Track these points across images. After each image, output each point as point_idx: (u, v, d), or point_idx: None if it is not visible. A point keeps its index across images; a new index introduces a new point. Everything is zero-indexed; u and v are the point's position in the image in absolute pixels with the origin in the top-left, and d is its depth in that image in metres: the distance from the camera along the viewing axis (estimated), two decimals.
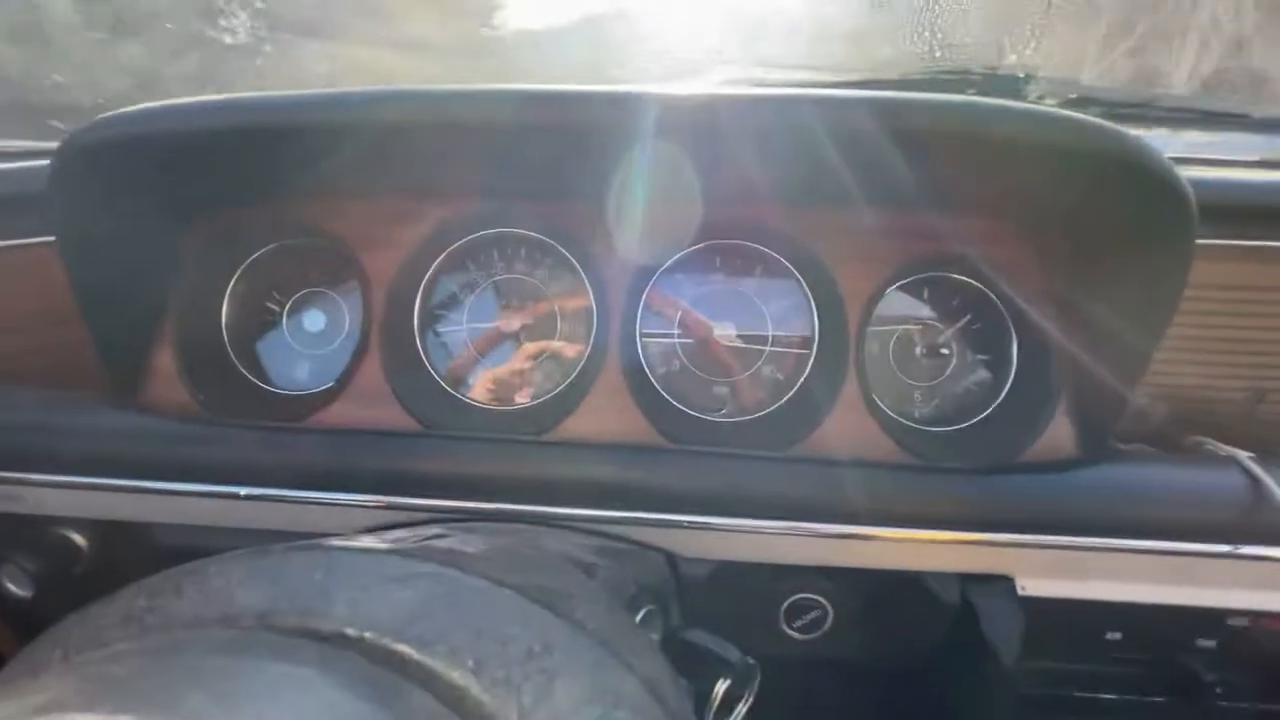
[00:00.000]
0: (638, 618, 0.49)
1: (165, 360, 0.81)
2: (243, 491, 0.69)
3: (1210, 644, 0.70)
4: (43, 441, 0.72)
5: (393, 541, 0.34)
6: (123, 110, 0.63)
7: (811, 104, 0.59)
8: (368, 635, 0.26)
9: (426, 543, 0.36)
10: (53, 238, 0.82)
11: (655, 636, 0.49)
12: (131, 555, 0.75)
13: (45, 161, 0.84)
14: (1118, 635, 0.70)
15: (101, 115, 0.63)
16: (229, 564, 0.30)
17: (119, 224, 0.73)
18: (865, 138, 0.60)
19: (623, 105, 0.60)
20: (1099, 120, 0.57)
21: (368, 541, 0.33)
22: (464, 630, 0.27)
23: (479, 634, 0.27)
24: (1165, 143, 1.09)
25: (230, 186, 0.81)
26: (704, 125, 0.61)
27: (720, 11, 1.08)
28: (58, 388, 0.80)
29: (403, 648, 0.25)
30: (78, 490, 0.71)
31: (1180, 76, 1.07)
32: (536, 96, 0.62)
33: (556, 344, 0.86)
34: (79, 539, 0.74)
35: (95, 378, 0.81)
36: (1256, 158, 0.99)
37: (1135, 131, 1.03)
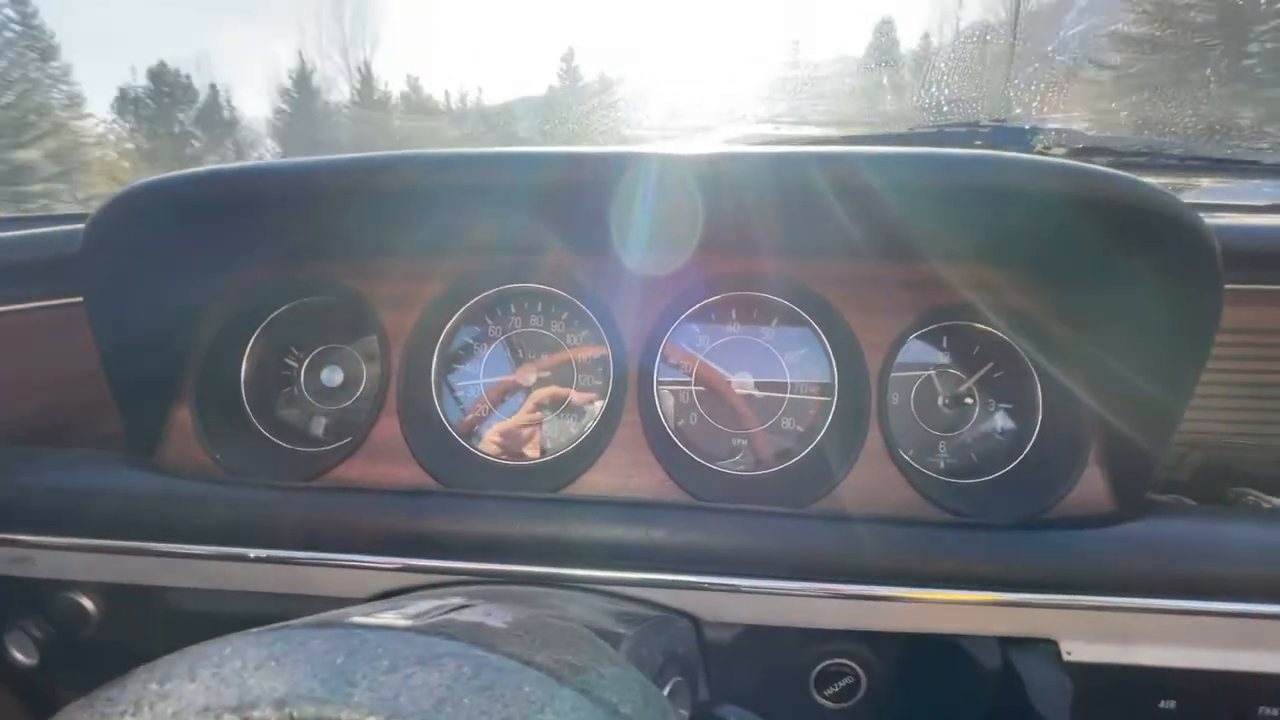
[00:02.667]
0: (666, 690, 0.46)
1: (184, 417, 0.81)
2: (255, 554, 0.68)
3: (1274, 713, 0.65)
4: (54, 503, 0.71)
5: (415, 617, 0.32)
6: (151, 179, 0.65)
7: (821, 161, 0.60)
8: None
9: (449, 616, 0.34)
10: (62, 300, 0.85)
11: (685, 713, 0.46)
12: (141, 619, 0.73)
13: (60, 228, 0.88)
14: (1172, 705, 0.65)
15: (134, 182, 0.65)
16: (244, 645, 0.28)
17: (145, 284, 0.74)
18: (875, 193, 0.60)
19: (634, 165, 0.61)
20: (1116, 171, 0.58)
21: (388, 617, 0.32)
22: (492, 717, 0.25)
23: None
24: (1176, 190, 1.10)
25: (253, 247, 0.82)
26: (713, 183, 0.61)
27: (730, 72, 1.12)
28: (70, 445, 0.80)
29: None
30: (90, 553, 0.70)
31: (1186, 124, 1.08)
32: (550, 158, 0.64)
33: (573, 397, 0.85)
34: (87, 603, 0.72)
35: (103, 440, 0.81)
36: (1270, 203, 0.99)
37: (1144, 179, 1.05)
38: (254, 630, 0.30)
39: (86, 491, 0.72)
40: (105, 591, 0.72)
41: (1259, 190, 1.05)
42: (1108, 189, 0.57)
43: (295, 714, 0.24)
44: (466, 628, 0.32)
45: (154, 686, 0.27)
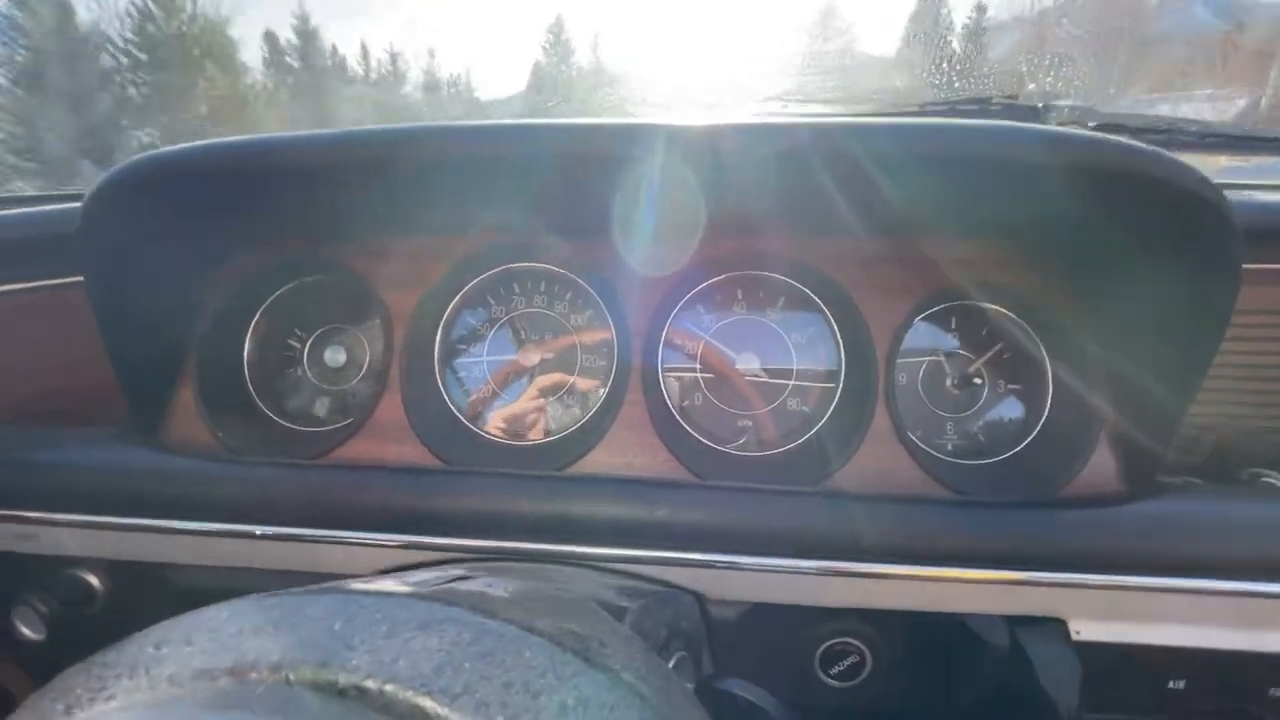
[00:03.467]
0: (670, 664, 0.46)
1: (187, 397, 0.81)
2: (260, 531, 0.68)
3: None
4: (61, 480, 0.71)
5: (415, 585, 0.32)
6: (155, 151, 0.65)
7: (827, 132, 0.58)
8: (389, 688, 0.24)
9: (451, 585, 0.34)
10: (68, 279, 0.84)
11: (689, 685, 0.46)
12: (147, 596, 0.73)
13: (59, 206, 0.88)
14: (1181, 684, 0.64)
15: (135, 156, 0.64)
16: (242, 610, 0.28)
17: (147, 262, 0.74)
18: (883, 164, 0.59)
19: (639, 136, 0.60)
20: (1136, 143, 0.56)
21: (389, 584, 0.31)
22: (493, 682, 0.25)
23: (509, 686, 0.25)
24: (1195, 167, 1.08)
25: (256, 225, 0.82)
26: (718, 154, 0.60)
27: (739, 50, 1.10)
28: (74, 424, 0.80)
29: (428, 702, 0.23)
30: (94, 530, 0.70)
31: (1202, 103, 1.06)
32: (555, 129, 0.63)
33: (577, 378, 0.85)
34: (94, 580, 0.72)
35: (107, 421, 0.81)
36: None
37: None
38: (253, 596, 0.30)
39: (91, 469, 0.72)
40: (111, 568, 0.72)
41: (1278, 169, 1.03)
42: (1129, 161, 0.55)
43: (292, 676, 0.24)
44: (468, 595, 0.32)
45: (150, 650, 0.27)
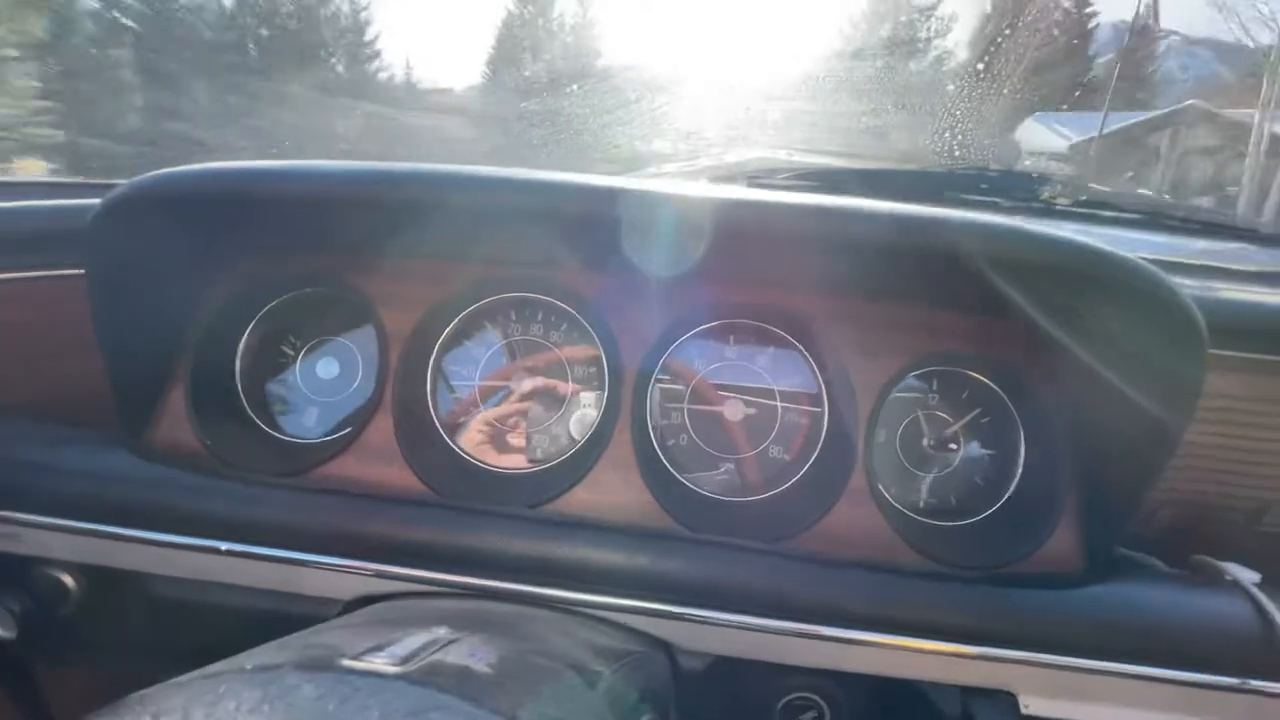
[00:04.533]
0: None
1: (176, 399, 0.81)
2: (240, 549, 0.68)
3: None
4: (43, 481, 0.71)
5: (403, 661, 0.33)
6: (169, 170, 0.65)
7: (826, 214, 0.61)
8: None
9: (437, 656, 0.35)
10: (63, 271, 0.84)
11: None
12: (120, 601, 0.73)
13: (59, 202, 0.87)
14: None
15: (152, 173, 0.65)
16: (238, 686, 0.29)
17: (149, 268, 0.74)
18: (877, 248, 0.61)
19: (642, 202, 0.62)
20: (1109, 250, 0.59)
21: (379, 663, 0.33)
22: None
23: None
24: (1172, 248, 1.12)
25: (259, 240, 0.82)
26: (728, 225, 0.62)
27: (749, 98, 1.13)
28: (60, 422, 0.80)
29: None
30: (73, 533, 0.70)
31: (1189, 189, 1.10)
32: (560, 188, 0.64)
33: (567, 410, 0.86)
34: (68, 580, 0.72)
35: (98, 415, 0.81)
36: (1260, 270, 1.02)
37: (1142, 235, 1.07)
38: (247, 664, 0.31)
39: (73, 473, 0.72)
40: (86, 571, 0.72)
41: (1252, 255, 1.07)
42: (1101, 265, 0.58)
43: None
44: (453, 673, 0.33)
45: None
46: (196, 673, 0.31)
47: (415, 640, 0.37)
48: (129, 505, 0.70)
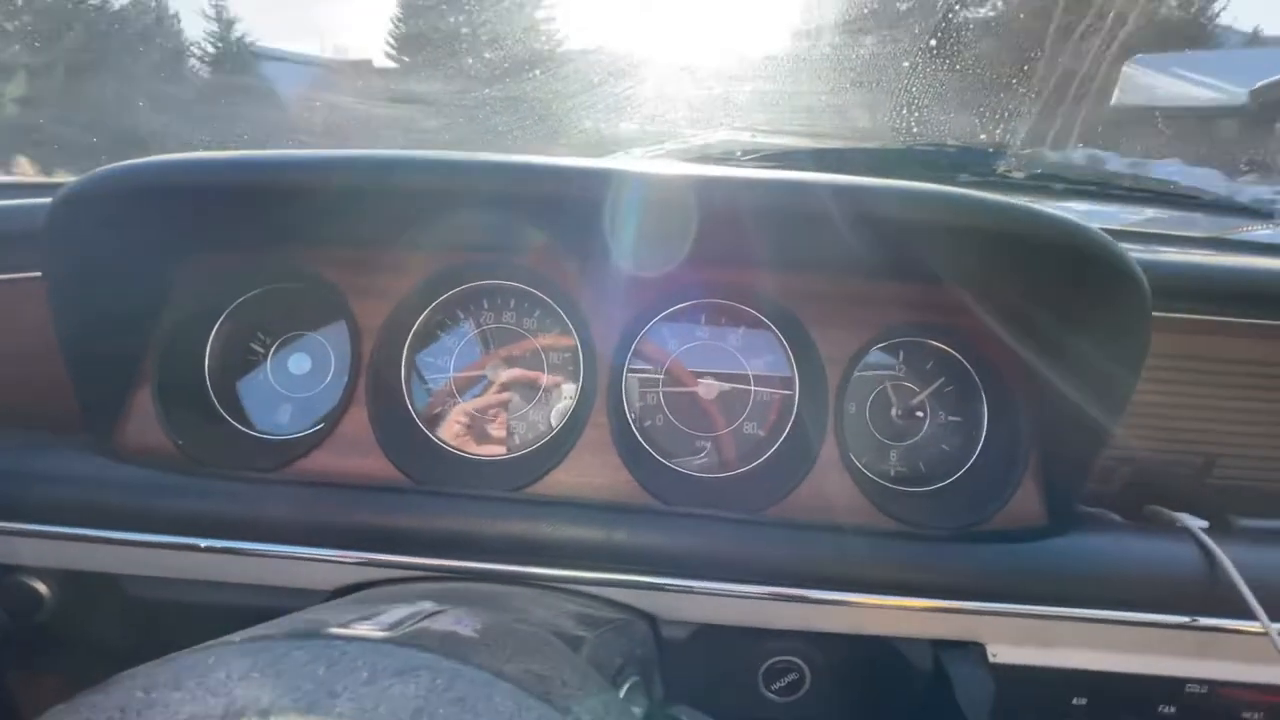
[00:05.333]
0: (624, 689, 0.49)
1: (144, 401, 0.80)
2: (217, 545, 0.68)
3: (1171, 710, 0.72)
4: (11, 487, 0.70)
5: (390, 627, 0.34)
6: (127, 163, 0.64)
7: (789, 188, 0.62)
8: None
9: (423, 625, 0.36)
10: (27, 274, 0.82)
11: (639, 711, 0.49)
12: (96, 606, 0.72)
13: (21, 201, 0.85)
14: (1083, 701, 0.72)
15: (106, 166, 0.64)
16: (227, 655, 0.30)
17: (110, 265, 0.73)
18: (838, 219, 0.63)
19: (621, 182, 0.63)
20: (1056, 213, 0.62)
21: (365, 629, 0.34)
22: None
23: None
24: (1121, 217, 1.16)
25: (225, 235, 0.81)
26: (689, 202, 0.63)
27: (712, 80, 1.14)
28: (25, 427, 0.78)
29: None
30: (44, 539, 0.69)
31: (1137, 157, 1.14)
32: (528, 170, 0.64)
33: (543, 395, 0.87)
34: (41, 587, 0.71)
35: (65, 418, 0.79)
36: (1206, 235, 1.06)
37: (1093, 206, 1.11)
38: (235, 638, 0.32)
39: (41, 477, 0.70)
40: (60, 577, 0.71)
41: (1197, 222, 1.12)
42: (1049, 228, 0.61)
43: None
44: (439, 637, 0.34)
45: (139, 694, 0.28)
46: (186, 650, 0.32)
47: (401, 611, 0.37)
48: (102, 507, 0.69)
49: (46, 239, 0.66)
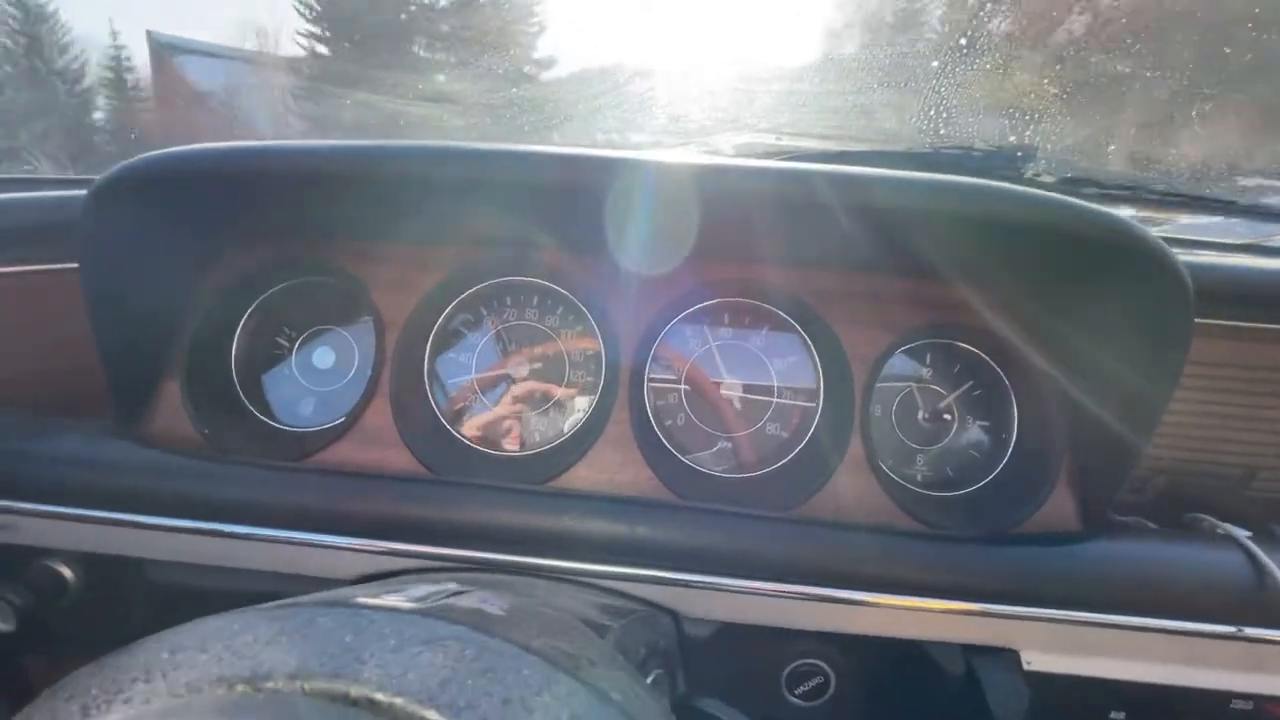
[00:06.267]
0: (648, 681, 0.48)
1: (173, 391, 0.81)
2: (242, 531, 0.68)
3: None
4: (40, 470, 0.71)
5: (417, 600, 0.34)
6: (161, 151, 0.65)
7: (817, 179, 0.62)
8: (398, 701, 0.25)
9: (449, 601, 0.35)
10: (59, 265, 0.84)
11: (666, 703, 0.48)
12: (120, 591, 0.73)
13: (56, 193, 0.87)
14: (1121, 715, 0.69)
15: (140, 155, 0.65)
16: (254, 620, 0.29)
17: (143, 257, 0.74)
18: (869, 213, 0.62)
19: (637, 171, 0.62)
20: (1099, 208, 0.60)
21: (392, 600, 0.33)
22: (494, 698, 0.27)
23: (508, 702, 0.27)
24: (1155, 223, 1.14)
25: (252, 224, 0.82)
26: (715, 193, 0.63)
27: (737, 81, 1.14)
28: (56, 414, 0.80)
29: (434, 715, 0.25)
30: (71, 522, 0.70)
31: (1171, 162, 1.12)
32: (556, 159, 0.64)
33: (564, 391, 0.87)
34: (67, 572, 0.72)
35: (94, 406, 0.80)
36: (1242, 241, 1.04)
37: (1127, 210, 1.09)
38: (261, 606, 0.31)
39: (74, 461, 0.71)
40: (85, 561, 0.72)
41: (1233, 228, 1.09)
42: (1091, 223, 0.59)
43: (307, 686, 0.26)
44: (467, 612, 0.34)
45: (165, 655, 0.28)
46: (213, 615, 0.31)
47: (428, 588, 0.37)
48: (129, 491, 0.69)
49: (82, 229, 0.67)
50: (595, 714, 0.28)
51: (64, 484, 0.70)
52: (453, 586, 0.39)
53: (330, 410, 0.88)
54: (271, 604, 0.34)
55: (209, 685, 0.26)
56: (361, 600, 0.32)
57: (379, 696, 0.26)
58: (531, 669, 0.29)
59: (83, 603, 0.73)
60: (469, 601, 0.36)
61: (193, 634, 0.29)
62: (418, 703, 0.25)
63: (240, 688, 0.26)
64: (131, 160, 0.66)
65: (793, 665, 0.69)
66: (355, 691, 0.26)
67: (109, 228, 0.69)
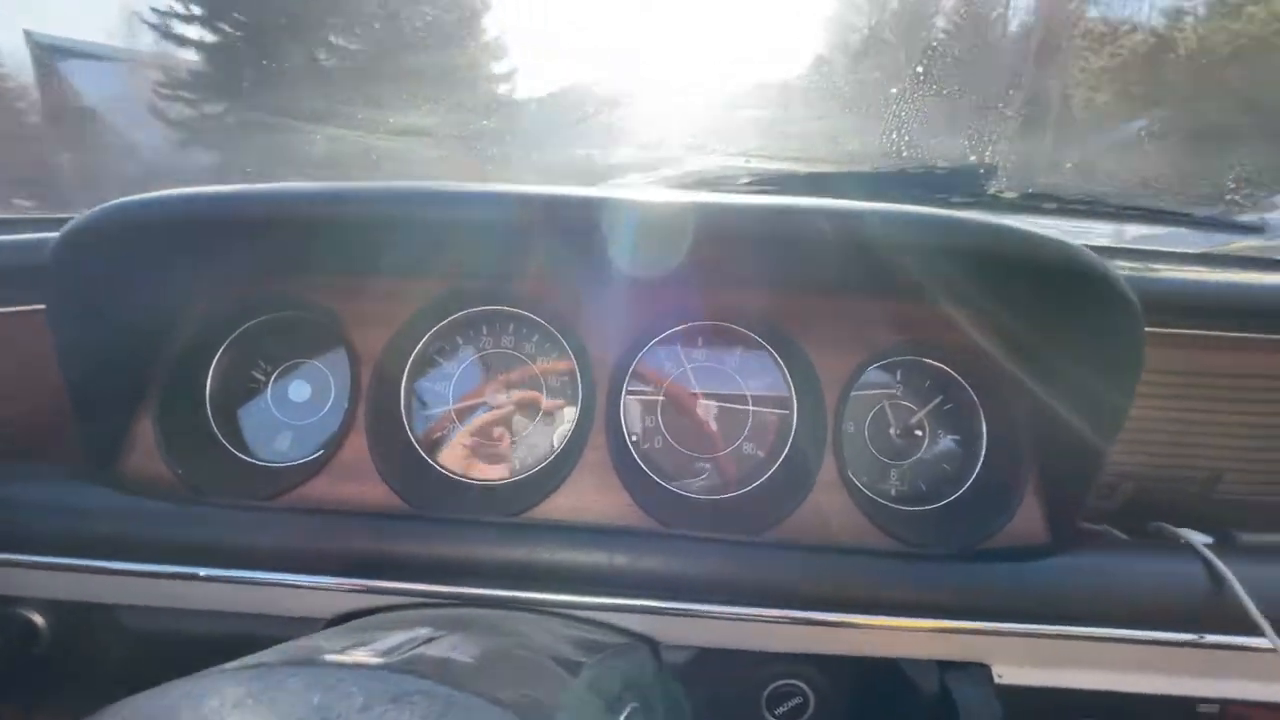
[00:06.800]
0: (622, 716, 0.49)
1: (146, 430, 0.80)
2: (217, 574, 0.68)
3: None
4: (8, 517, 0.70)
5: (386, 653, 0.34)
6: (123, 200, 0.65)
7: (781, 213, 0.63)
8: None
9: (419, 651, 0.36)
10: (22, 308, 0.83)
11: None
12: (94, 638, 0.72)
13: (20, 236, 0.86)
14: None
15: (112, 202, 0.65)
16: (221, 683, 0.30)
17: (113, 299, 0.74)
18: (832, 243, 0.64)
19: (605, 209, 0.64)
20: (1047, 234, 0.62)
21: (360, 655, 0.33)
22: None
23: None
24: (1113, 235, 1.17)
25: (224, 264, 0.82)
26: (688, 228, 0.64)
27: (703, 107, 1.16)
28: (25, 459, 0.79)
29: None
30: (43, 570, 0.69)
31: (1126, 177, 1.16)
32: (527, 199, 0.65)
33: (542, 419, 0.87)
34: (39, 620, 0.71)
35: (67, 449, 0.79)
36: (1198, 251, 1.07)
37: (1086, 224, 1.12)
38: (229, 667, 0.32)
39: (39, 507, 0.70)
40: (57, 609, 0.71)
41: (1188, 239, 1.13)
42: (1041, 250, 0.62)
43: None
44: (435, 664, 0.34)
45: None
46: (180, 679, 0.32)
47: (398, 638, 0.37)
48: (102, 537, 0.69)
49: (51, 274, 0.67)
50: None
51: (33, 531, 0.69)
52: (424, 632, 0.40)
53: (307, 444, 0.87)
54: (239, 662, 0.34)
55: None
56: (330, 658, 0.32)
57: None
58: None
59: (57, 650, 0.72)
60: (438, 650, 0.37)
61: (159, 700, 0.30)
62: None
63: None
64: (103, 206, 0.66)
65: (772, 686, 0.70)
66: None
67: (79, 273, 0.69)
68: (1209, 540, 0.74)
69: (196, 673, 0.32)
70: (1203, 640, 0.65)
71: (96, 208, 0.65)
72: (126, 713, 0.29)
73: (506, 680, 0.33)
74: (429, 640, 0.38)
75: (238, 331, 0.88)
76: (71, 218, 0.67)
